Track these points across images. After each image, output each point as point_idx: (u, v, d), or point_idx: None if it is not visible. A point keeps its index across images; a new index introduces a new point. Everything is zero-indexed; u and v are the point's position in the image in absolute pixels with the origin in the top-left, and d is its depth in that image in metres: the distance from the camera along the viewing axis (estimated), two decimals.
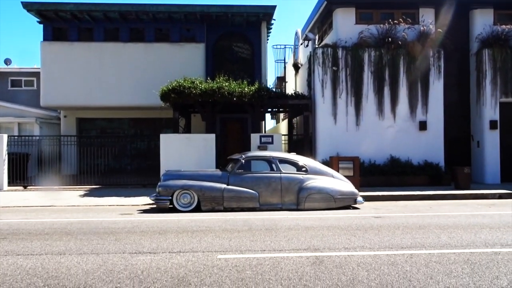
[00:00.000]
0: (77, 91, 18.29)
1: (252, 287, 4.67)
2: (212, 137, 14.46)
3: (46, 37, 18.77)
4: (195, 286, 4.69)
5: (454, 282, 4.82)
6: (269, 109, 18.79)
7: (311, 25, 19.45)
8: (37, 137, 17.24)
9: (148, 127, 20.93)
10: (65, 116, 20.41)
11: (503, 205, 11.32)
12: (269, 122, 37.06)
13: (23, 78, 23.95)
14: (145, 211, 10.52)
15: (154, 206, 11.02)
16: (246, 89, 14.98)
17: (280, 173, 10.70)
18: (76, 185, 15.28)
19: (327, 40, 17.52)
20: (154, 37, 18.97)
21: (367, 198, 12.18)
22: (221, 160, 15.37)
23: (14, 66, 24.77)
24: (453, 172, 14.44)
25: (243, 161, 10.84)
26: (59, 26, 18.92)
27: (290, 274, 5.10)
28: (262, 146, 14.59)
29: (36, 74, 23.06)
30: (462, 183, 13.94)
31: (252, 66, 19.64)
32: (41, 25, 18.82)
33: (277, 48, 23.48)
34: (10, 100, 22.28)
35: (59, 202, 11.91)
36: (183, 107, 16.27)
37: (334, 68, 15.59)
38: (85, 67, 18.37)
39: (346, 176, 12.04)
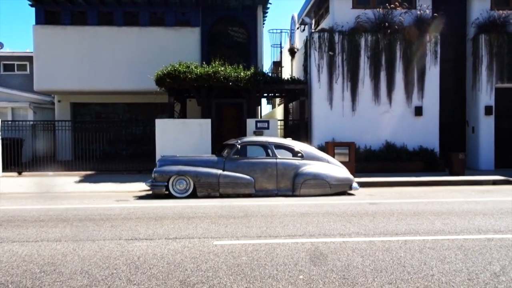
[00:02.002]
0: (71, 75, 18.15)
1: (248, 272, 4.72)
2: (207, 122, 14.47)
3: (39, 21, 18.53)
4: (191, 272, 4.74)
5: (447, 267, 4.88)
6: (265, 94, 18.76)
7: (307, 9, 19.29)
8: (31, 122, 17.14)
9: (143, 112, 20.86)
10: (59, 101, 20.28)
11: (497, 191, 11.41)
12: (265, 107, 37.04)
13: (16, 63, 23.73)
14: (141, 197, 10.54)
15: (150, 192, 11.03)
16: (242, 73, 14.94)
17: (276, 158, 10.76)
18: (71, 171, 15.24)
19: (324, 24, 17.42)
20: (149, 21, 18.77)
21: (362, 184, 12.21)
22: (217, 145, 15.37)
23: (7, 50, 24.50)
24: (447, 158, 14.51)
25: (239, 146, 10.84)
26: (51, 10, 18.67)
27: (285, 259, 5.15)
28: (258, 132, 14.62)
29: (29, 58, 22.85)
30: (456, 169, 14.02)
31: (248, 50, 19.53)
32: (33, 8, 18.56)
33: (273, 32, 23.43)
34: (3, 85, 22.11)
35: (54, 189, 11.90)
36: (178, 92, 16.23)
37: (330, 53, 15.55)
38: (79, 51, 18.19)
39: (342, 162, 12.06)
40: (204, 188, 10.45)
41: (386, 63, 15.75)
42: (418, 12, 15.87)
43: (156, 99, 19.23)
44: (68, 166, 16.06)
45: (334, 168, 11.03)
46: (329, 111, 15.58)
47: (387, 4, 15.92)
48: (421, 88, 15.89)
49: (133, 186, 12.18)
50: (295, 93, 17.38)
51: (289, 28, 22.62)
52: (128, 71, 18.14)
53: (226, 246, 5.79)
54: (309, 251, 5.54)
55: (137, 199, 10.34)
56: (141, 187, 12.00)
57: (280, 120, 18.06)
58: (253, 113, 16.10)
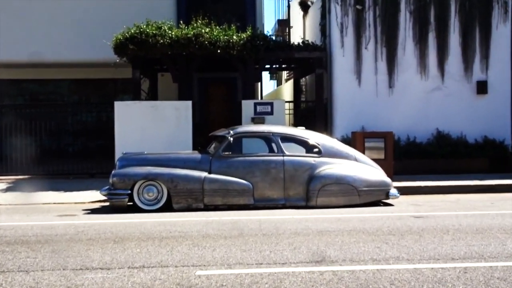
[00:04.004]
0: None
1: None
2: (187, 105, 14.41)
3: None
4: None
5: None
6: (267, 66, 18.68)
7: None
8: None
9: (97, 91, 20.76)
10: None
11: None
12: (267, 85, 37.00)
13: None
14: (94, 211, 10.49)
15: (107, 203, 11.00)
16: (234, 37, 14.90)
17: (283, 155, 10.73)
18: None
19: None
20: None
21: (403, 190, 12.03)
22: (201, 138, 15.27)
23: None
24: None
25: (231, 139, 10.80)
26: None
27: None
28: (258, 118, 14.57)
29: None
30: None
31: (242, 5, 19.47)
32: None
33: None
34: None
35: None
36: (146, 63, 16.14)
37: (358, 7, 15.54)
38: (4, 9, 18.04)
39: (375, 160, 11.97)
40: (183, 198, 10.43)
41: (436, 21, 15.73)
42: None
43: (115, 73, 18.93)
44: None
45: (364, 168, 11.01)
46: (356, 88, 15.54)
47: None
48: (486, 56, 15.90)
49: (83, 196, 12.04)
50: (309, 64, 17.25)
51: None
52: (75, 34, 18.04)
53: (214, 277, 5.76)
54: (330, 283, 5.50)
55: (89, 213, 10.27)
56: (95, 196, 11.85)
57: (289, 101, 17.99)
58: (251, 93, 16.07)
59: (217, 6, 19.30)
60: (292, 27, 23.76)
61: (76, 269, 6.14)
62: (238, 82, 18.70)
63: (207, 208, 10.49)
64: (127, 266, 6.23)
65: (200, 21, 15.28)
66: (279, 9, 24.40)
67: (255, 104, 14.88)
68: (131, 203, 10.50)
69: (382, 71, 15.65)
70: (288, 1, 23.74)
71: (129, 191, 10.38)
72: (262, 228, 8.47)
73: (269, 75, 26.97)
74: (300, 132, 11.27)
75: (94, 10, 18.15)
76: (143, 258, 6.61)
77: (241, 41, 14.95)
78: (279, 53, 16.14)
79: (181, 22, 16.35)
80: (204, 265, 6.22)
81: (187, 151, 12.51)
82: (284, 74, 26.60)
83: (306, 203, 10.62)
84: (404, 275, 5.74)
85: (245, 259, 6.47)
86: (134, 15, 16.87)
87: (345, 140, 14.35)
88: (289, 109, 17.60)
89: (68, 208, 10.85)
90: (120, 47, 14.67)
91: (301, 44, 16.68)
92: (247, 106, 14.90)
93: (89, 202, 11.49)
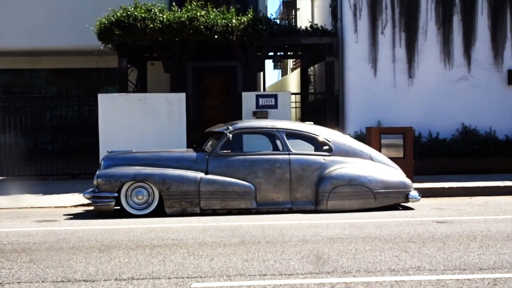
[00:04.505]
0: None
1: None
2: (180, 98, 14.40)
3: None
4: None
5: None
6: (271, 53, 18.63)
7: None
8: None
9: (79, 83, 20.73)
10: None
11: None
12: (270, 75, 36.87)
13: None
14: (76, 216, 10.49)
15: (91, 208, 11.00)
16: (234, 20, 14.90)
17: (289, 153, 10.75)
18: None
19: None
20: None
21: (425, 192, 12.04)
22: (196, 134, 15.37)
23: None
24: None
25: (231, 135, 10.80)
26: None
27: None
28: (261, 112, 14.58)
29: None
30: None
31: None
32: None
33: None
34: None
35: None
36: (134, 50, 16.14)
37: None
38: None
39: (393, 159, 11.94)
40: (177, 201, 10.44)
41: (462, 2, 15.72)
42: None
43: (98, 62, 18.61)
44: None
45: (381, 168, 11.06)
46: (372, 78, 15.54)
47: None
48: None
49: (64, 199, 12.03)
50: (319, 51, 17.23)
51: None
52: (53, 18, 17.94)
53: None
54: None
55: (71, 218, 10.26)
56: (77, 200, 11.87)
57: (295, 93, 17.85)
58: (253, 84, 16.03)
59: None
60: (299, 9, 23.79)
61: (56, 281, 6.11)
62: (238, 72, 18.70)
63: (204, 212, 10.50)
64: (114, 277, 6.20)
65: (195, 3, 15.22)
66: None
67: (257, 97, 14.85)
68: (118, 207, 10.51)
69: (400, 59, 15.62)
70: None
71: (116, 194, 10.37)
72: (266, 235, 8.45)
73: (272, 64, 26.79)
74: (308, 127, 11.29)
75: None
76: (132, 268, 6.58)
77: (241, 26, 14.93)
78: (284, 39, 16.10)
79: (174, 4, 16.19)
80: (201, 277, 6.18)
81: (181, 149, 12.53)
82: (290, 62, 26.54)
83: (315, 207, 10.65)
84: None
85: (247, 270, 6.45)
86: None
87: (359, 137, 14.37)
88: (296, 102, 17.36)
89: (48, 213, 10.81)
90: (104, 32, 14.64)
91: (309, 28, 16.62)
92: (248, 99, 14.88)
93: (71, 206, 11.49)
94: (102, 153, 13.36)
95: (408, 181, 11.07)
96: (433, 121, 15.52)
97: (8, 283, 6.06)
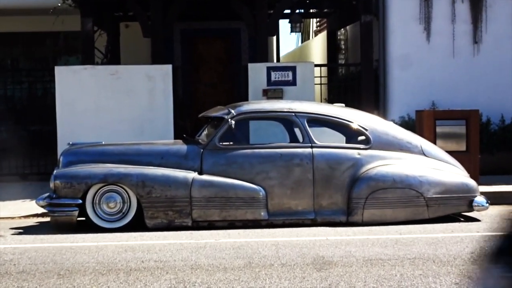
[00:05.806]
0: None
1: None
2: (166, 72, 13.35)
3: None
4: None
5: None
6: (287, 11, 17.69)
7: None
8: None
9: (30, 52, 20.12)
10: None
11: None
12: (287, 39, 36.54)
13: None
14: (27, 230, 9.90)
15: (47, 219, 10.29)
16: None
17: (312, 146, 9.86)
18: None
19: None
20: None
21: (495, 198, 11.08)
22: (186, 120, 14.72)
23: None
24: None
25: (233, 122, 9.88)
26: None
27: None
28: (274, 91, 13.47)
29: None
30: None
31: None
32: None
33: None
34: None
35: None
36: (103, 7, 15.17)
37: None
38: None
39: (452, 153, 10.93)
40: (161, 210, 9.64)
41: None
42: None
43: (56, 25, 17.78)
44: None
45: (436, 166, 10.22)
46: (424, 44, 14.50)
47: None
48: None
49: (11, 207, 11.47)
50: (352, 8, 16.00)
51: None
52: None
53: None
54: None
55: (20, 233, 9.65)
56: (29, 208, 11.27)
57: (320, 65, 16.71)
58: (263, 52, 14.79)
59: None
60: None
61: None
62: (243, 36, 18.03)
63: (198, 225, 9.72)
64: None
65: None
66: None
67: (269, 69, 13.66)
68: (83, 219, 9.71)
69: (462, 18, 14.36)
70: None
71: (80, 201, 9.54)
72: (281, 255, 7.87)
73: (290, 25, 26.03)
74: (338, 111, 10.31)
75: None
76: None
77: None
78: None
79: None
80: None
81: (167, 140, 11.71)
82: (313, 23, 25.90)
83: (347, 218, 9.80)
84: None
85: None
86: None
87: (407, 124, 13.54)
88: (321, 77, 16.15)
89: None
90: None
91: None
92: (256, 73, 13.70)
93: (20, 217, 10.80)
94: (61, 146, 12.31)
95: (472, 183, 10.13)
96: (507, 102, 14.39)
97: None
